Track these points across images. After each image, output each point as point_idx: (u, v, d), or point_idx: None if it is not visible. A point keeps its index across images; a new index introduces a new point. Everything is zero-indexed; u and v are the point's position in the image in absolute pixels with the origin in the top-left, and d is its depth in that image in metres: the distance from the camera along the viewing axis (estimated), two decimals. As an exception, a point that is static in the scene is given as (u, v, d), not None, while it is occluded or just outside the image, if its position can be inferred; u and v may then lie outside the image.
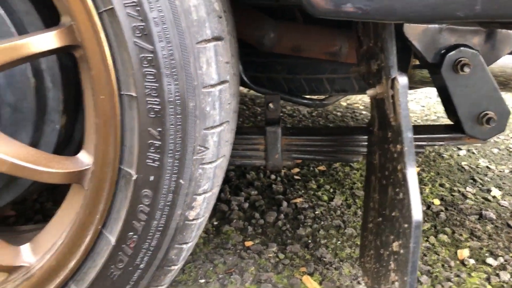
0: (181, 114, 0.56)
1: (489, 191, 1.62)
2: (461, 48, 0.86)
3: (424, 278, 1.10)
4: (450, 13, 0.51)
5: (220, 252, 1.15)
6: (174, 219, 0.60)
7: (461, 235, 1.31)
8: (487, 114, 0.91)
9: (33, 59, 0.61)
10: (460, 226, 1.36)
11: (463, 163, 1.87)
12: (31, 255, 0.68)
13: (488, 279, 1.12)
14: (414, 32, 0.82)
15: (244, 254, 1.15)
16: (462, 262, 1.19)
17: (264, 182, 1.56)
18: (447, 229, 1.33)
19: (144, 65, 0.54)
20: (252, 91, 2.44)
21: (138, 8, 0.52)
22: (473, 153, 2.02)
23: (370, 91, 0.65)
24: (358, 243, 1.23)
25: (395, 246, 0.62)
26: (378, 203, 0.73)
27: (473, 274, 1.14)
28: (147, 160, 0.57)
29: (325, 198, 1.47)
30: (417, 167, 1.79)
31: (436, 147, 2.08)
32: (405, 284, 0.60)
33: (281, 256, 1.16)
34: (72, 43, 0.58)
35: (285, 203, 1.42)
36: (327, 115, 2.41)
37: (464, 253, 1.23)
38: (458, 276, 1.13)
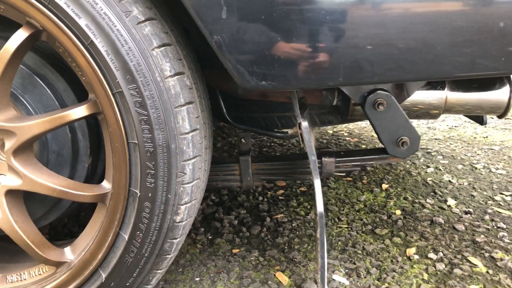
0: (166, 153, 0.88)
1: (445, 201, 1.90)
2: (378, 91, 1.17)
3: (373, 270, 1.39)
4: (323, 82, 0.82)
5: (212, 258, 1.45)
6: (166, 221, 0.91)
7: (412, 237, 1.59)
8: (402, 139, 1.21)
9: (72, 123, 0.95)
10: (413, 230, 1.64)
11: (428, 179, 2.16)
12: (71, 254, 1.00)
13: (426, 270, 1.40)
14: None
15: (231, 258, 1.45)
16: (409, 258, 1.47)
17: (252, 203, 1.86)
18: (402, 233, 1.62)
19: (142, 124, 0.87)
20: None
21: (137, 90, 0.85)
22: (440, 169, 2.30)
23: (290, 130, 0.96)
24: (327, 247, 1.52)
25: (316, 234, 0.93)
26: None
27: (415, 266, 1.42)
28: (146, 183, 0.89)
29: (302, 213, 1.77)
30: (386, 184, 2.08)
31: (407, 165, 2.37)
32: (322, 260, 0.90)
33: (261, 259, 1.45)
34: (96, 111, 0.91)
35: (268, 219, 1.72)
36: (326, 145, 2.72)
37: (411, 251, 1.51)
38: (402, 268, 1.41)
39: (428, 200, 1.90)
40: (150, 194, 0.89)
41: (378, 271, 1.39)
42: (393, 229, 1.65)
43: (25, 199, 0.99)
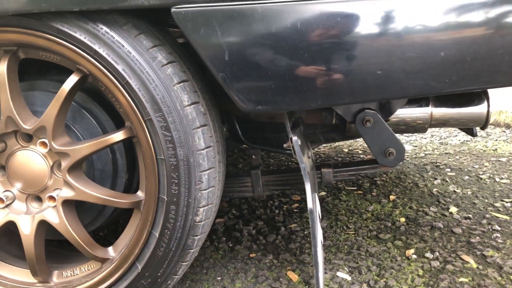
0: (187, 165, 1.11)
1: (448, 209, 2.06)
2: (366, 110, 1.38)
3: (374, 268, 1.57)
4: (305, 104, 1.04)
5: (232, 261, 1.66)
6: (188, 221, 1.14)
7: (412, 240, 1.76)
8: (389, 150, 1.41)
9: (112, 146, 1.19)
10: (414, 235, 1.81)
11: (434, 190, 2.32)
12: (113, 252, 1.23)
13: (422, 267, 1.57)
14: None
15: (248, 261, 1.66)
16: (407, 258, 1.64)
17: (269, 215, 2.07)
18: (403, 237, 1.79)
19: (167, 143, 1.10)
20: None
21: (163, 117, 1.09)
22: (446, 181, 2.46)
23: (285, 144, 1.18)
24: (333, 250, 1.71)
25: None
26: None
27: (412, 264, 1.59)
28: (172, 190, 1.12)
29: (314, 222, 1.96)
30: (394, 195, 2.25)
31: (416, 178, 2.53)
32: (314, 248, 1.10)
33: (275, 261, 1.66)
34: (131, 135, 1.15)
35: (283, 228, 1.92)
36: (329, 160, 2.92)
37: (410, 252, 1.68)
38: (400, 265, 1.58)
39: (431, 208, 2.07)
40: (175, 199, 1.12)
41: (378, 268, 1.57)
42: (395, 234, 1.82)
43: (76, 209, 1.24)
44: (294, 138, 1.14)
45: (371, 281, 1.49)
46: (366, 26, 1.01)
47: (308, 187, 1.09)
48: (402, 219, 1.96)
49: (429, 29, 1.04)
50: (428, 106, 1.53)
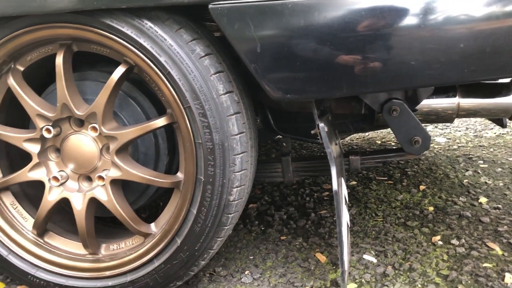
0: (222, 149, 1.21)
1: (477, 199, 2.09)
2: (392, 100, 1.44)
3: (399, 252, 1.63)
4: (331, 93, 1.12)
5: (264, 243, 1.76)
6: (222, 200, 1.24)
7: (439, 228, 1.81)
8: (415, 138, 1.47)
9: (155, 131, 1.31)
10: (442, 223, 1.86)
11: (465, 181, 2.34)
12: (155, 227, 1.36)
13: (447, 253, 1.62)
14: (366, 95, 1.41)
15: (279, 243, 1.75)
16: (433, 244, 1.69)
17: (300, 202, 2.16)
18: (430, 225, 1.84)
19: (204, 128, 1.21)
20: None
21: (200, 104, 1.19)
22: (478, 172, 2.47)
23: (312, 131, 1.27)
24: (361, 235, 1.78)
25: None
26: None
27: (437, 249, 1.65)
28: (208, 171, 1.22)
29: (343, 209, 2.03)
30: (424, 185, 2.29)
31: (447, 170, 2.55)
32: (339, 227, 1.18)
33: (304, 244, 1.74)
34: (172, 121, 1.27)
35: (313, 214, 2.00)
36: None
37: (436, 238, 1.73)
38: (425, 250, 1.64)
39: (460, 198, 2.10)
40: (210, 180, 1.23)
41: (404, 253, 1.63)
42: (423, 221, 1.87)
43: (122, 188, 1.36)
44: (321, 124, 1.22)
45: (396, 263, 1.55)
46: (391, 17, 1.08)
47: (333, 170, 1.17)
48: (431, 208, 2.01)
49: (453, 20, 1.09)
50: (455, 96, 1.57)
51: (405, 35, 1.07)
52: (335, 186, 1.17)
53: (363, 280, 1.48)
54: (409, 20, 1.07)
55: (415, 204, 2.06)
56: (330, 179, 2.38)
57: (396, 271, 1.51)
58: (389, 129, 3.54)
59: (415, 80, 1.11)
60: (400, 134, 1.46)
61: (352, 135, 3.31)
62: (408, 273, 1.50)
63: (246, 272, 1.56)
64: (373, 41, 1.06)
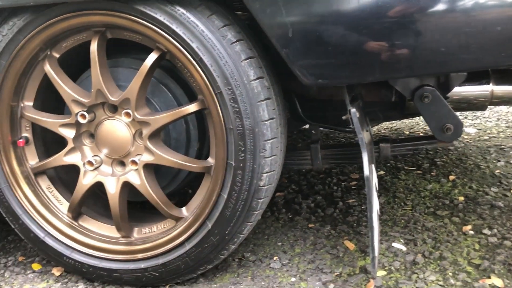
0: (252, 134, 1.22)
1: (510, 189, 2.05)
2: (424, 87, 1.42)
3: (429, 241, 1.61)
4: (363, 78, 1.11)
5: (292, 230, 1.77)
6: (253, 185, 1.25)
7: (470, 217, 1.78)
8: (447, 126, 1.44)
9: (186, 116, 1.33)
10: (472, 212, 1.83)
11: (496, 171, 2.29)
12: (186, 212, 1.38)
13: (478, 242, 1.60)
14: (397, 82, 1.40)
15: (307, 231, 1.76)
16: (464, 233, 1.67)
17: (327, 191, 2.15)
18: (461, 214, 1.81)
19: (235, 114, 1.22)
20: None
21: (231, 90, 1.20)
22: (510, 163, 2.42)
23: (344, 117, 1.26)
24: (390, 223, 1.77)
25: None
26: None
27: (468, 239, 1.62)
28: (239, 157, 1.24)
29: (371, 198, 2.02)
30: (454, 175, 2.26)
31: (478, 160, 2.50)
32: (370, 213, 1.18)
33: (332, 231, 1.74)
34: (203, 107, 1.28)
35: (341, 203, 2.00)
36: (387, 142, 2.93)
37: (467, 228, 1.70)
38: (455, 239, 1.62)
39: (492, 189, 2.06)
40: (241, 165, 1.24)
41: (434, 241, 1.61)
42: (453, 211, 1.85)
43: (154, 173, 1.39)
44: (353, 110, 1.22)
45: (426, 252, 1.54)
46: (426, 0, 1.07)
47: (365, 156, 1.17)
48: (461, 198, 1.98)
49: (490, 2, 1.07)
50: (488, 83, 1.53)
51: (440, 19, 1.05)
52: (366, 172, 1.16)
53: (392, 268, 1.47)
54: (444, 3, 1.06)
55: (444, 194, 2.03)
56: (360, 167, 2.38)
57: (426, 259, 1.50)
58: (417, 120, 3.49)
59: (450, 65, 1.09)
60: (431, 121, 1.44)
61: (379, 126, 3.28)
62: (438, 262, 1.49)
63: (275, 258, 1.57)
64: (407, 25, 1.05)
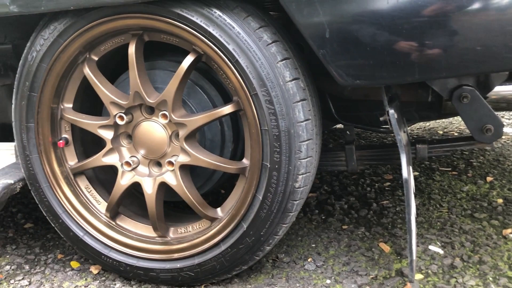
0: (287, 136, 1.22)
1: (551, 192, 1.98)
2: (463, 86, 1.38)
3: (467, 244, 1.57)
4: (402, 78, 1.09)
5: (325, 231, 1.76)
6: (288, 187, 1.25)
7: (510, 220, 1.73)
8: (486, 126, 1.41)
9: (221, 118, 1.34)
10: (513, 215, 1.78)
11: (537, 174, 2.22)
12: (221, 212, 1.39)
13: (520, 246, 1.55)
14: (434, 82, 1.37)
15: (341, 232, 1.74)
16: (504, 237, 1.62)
17: (360, 192, 2.13)
18: (500, 217, 1.76)
19: (270, 115, 1.22)
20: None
21: (267, 91, 1.20)
22: (551, 165, 2.33)
23: (382, 118, 1.24)
24: (425, 226, 1.74)
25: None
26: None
27: (508, 242, 1.58)
28: (274, 158, 1.24)
29: (406, 200, 1.99)
30: (491, 177, 2.20)
31: (517, 161, 2.42)
32: (408, 216, 1.16)
33: (367, 233, 1.72)
34: (238, 108, 1.29)
35: (374, 204, 1.97)
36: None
37: (508, 231, 1.65)
38: (495, 243, 1.57)
39: (533, 191, 1.99)
40: (276, 166, 1.24)
41: (472, 245, 1.57)
42: (492, 214, 1.80)
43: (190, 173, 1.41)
44: (391, 111, 1.20)
45: (465, 255, 1.50)
46: (464, 1, 1.04)
47: (404, 158, 1.15)
48: (500, 200, 1.92)
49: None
50: (529, 83, 1.49)
51: (483, 17, 1.02)
52: (405, 174, 1.14)
53: (429, 271, 1.45)
54: (487, 1, 1.03)
55: (482, 195, 1.98)
56: (393, 168, 2.34)
57: (465, 263, 1.47)
58: (451, 119, 3.41)
59: (493, 64, 1.06)
60: (471, 122, 1.41)
61: (412, 125, 3.22)
62: (477, 266, 1.45)
63: (309, 260, 1.56)
64: (448, 24, 1.03)
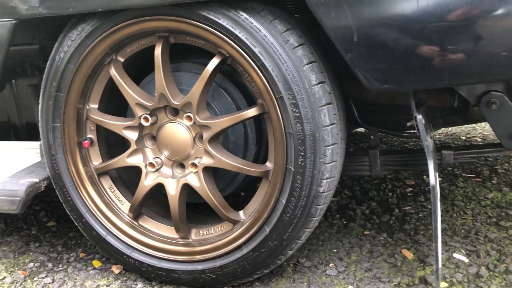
0: (313, 140, 1.21)
1: None
2: (492, 92, 1.36)
3: (493, 253, 1.54)
4: (430, 83, 1.07)
5: (347, 236, 1.74)
6: (312, 191, 1.24)
7: (537, 229, 1.69)
8: (515, 133, 1.37)
9: (246, 121, 1.34)
10: (540, 224, 1.74)
11: (563, 181, 2.17)
12: (243, 215, 1.39)
13: (548, 256, 1.51)
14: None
15: (363, 238, 1.72)
16: (531, 246, 1.59)
17: (382, 197, 2.10)
18: (527, 226, 1.73)
19: (295, 119, 1.21)
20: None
21: (292, 95, 1.20)
22: None
23: (409, 123, 1.23)
24: (449, 233, 1.71)
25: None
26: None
27: (536, 252, 1.54)
28: (298, 162, 1.23)
29: (429, 206, 1.96)
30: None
31: (543, 169, 2.37)
32: (435, 223, 1.14)
33: (389, 239, 1.70)
34: (262, 111, 1.28)
35: (396, 210, 1.95)
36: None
37: (535, 241, 1.62)
38: (522, 253, 1.54)
39: (559, 199, 1.94)
40: (301, 170, 1.23)
41: (498, 254, 1.54)
42: (518, 222, 1.76)
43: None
44: (419, 116, 1.18)
45: (490, 264, 1.47)
46: (497, 5, 1.02)
47: (431, 164, 1.13)
48: (526, 208, 1.88)
49: None
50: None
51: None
52: (432, 181, 1.13)
53: (454, 280, 1.42)
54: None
55: (507, 203, 1.94)
56: (415, 173, 2.31)
57: (491, 273, 1.44)
58: (474, 124, 3.35)
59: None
60: (499, 128, 1.38)
61: (435, 131, 3.18)
62: (504, 275, 1.42)
63: (331, 265, 1.55)
64: (480, 29, 1.01)
